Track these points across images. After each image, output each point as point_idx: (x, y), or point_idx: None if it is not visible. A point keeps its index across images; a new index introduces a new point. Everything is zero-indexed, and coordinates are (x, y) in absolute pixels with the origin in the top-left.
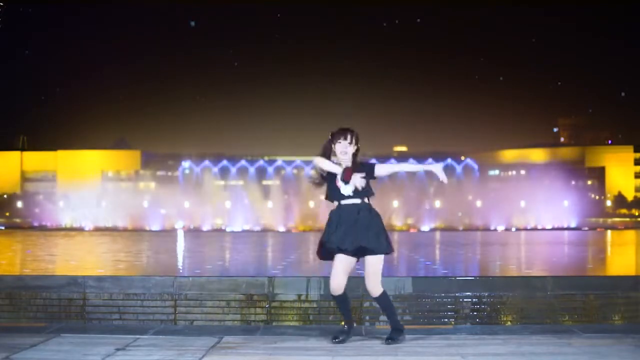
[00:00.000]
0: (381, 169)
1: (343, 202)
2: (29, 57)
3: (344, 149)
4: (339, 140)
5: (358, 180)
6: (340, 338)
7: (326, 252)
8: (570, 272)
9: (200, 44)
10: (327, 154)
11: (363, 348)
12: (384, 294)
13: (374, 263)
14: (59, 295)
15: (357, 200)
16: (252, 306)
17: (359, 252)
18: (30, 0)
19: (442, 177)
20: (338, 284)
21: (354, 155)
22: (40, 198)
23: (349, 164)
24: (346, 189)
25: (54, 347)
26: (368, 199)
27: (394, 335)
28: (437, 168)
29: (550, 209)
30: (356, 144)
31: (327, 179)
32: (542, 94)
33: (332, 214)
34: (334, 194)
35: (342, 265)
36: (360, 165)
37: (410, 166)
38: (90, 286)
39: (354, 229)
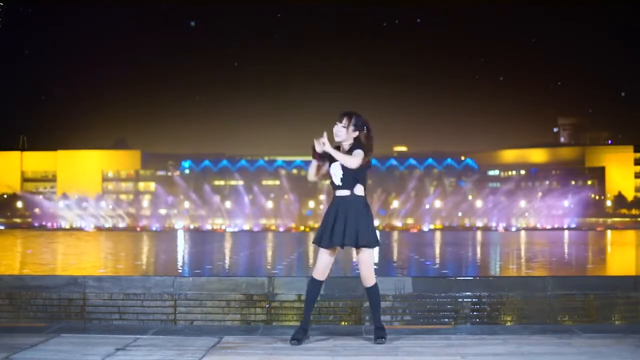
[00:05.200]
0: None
1: (336, 193)
2: (29, 57)
3: (337, 131)
4: (336, 122)
5: (319, 145)
6: (300, 337)
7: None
8: (570, 272)
9: (200, 44)
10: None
11: (363, 348)
12: (376, 286)
13: (369, 255)
14: (59, 295)
15: (347, 192)
16: (252, 306)
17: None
18: (30, 0)
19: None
20: (324, 269)
21: (357, 139)
22: (40, 198)
23: (346, 147)
24: (336, 178)
25: (54, 347)
26: (356, 190)
27: (383, 334)
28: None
29: (550, 209)
30: (357, 129)
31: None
32: (542, 94)
33: (330, 206)
34: (330, 182)
35: (330, 256)
36: (352, 148)
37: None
38: (90, 286)
39: (348, 225)
